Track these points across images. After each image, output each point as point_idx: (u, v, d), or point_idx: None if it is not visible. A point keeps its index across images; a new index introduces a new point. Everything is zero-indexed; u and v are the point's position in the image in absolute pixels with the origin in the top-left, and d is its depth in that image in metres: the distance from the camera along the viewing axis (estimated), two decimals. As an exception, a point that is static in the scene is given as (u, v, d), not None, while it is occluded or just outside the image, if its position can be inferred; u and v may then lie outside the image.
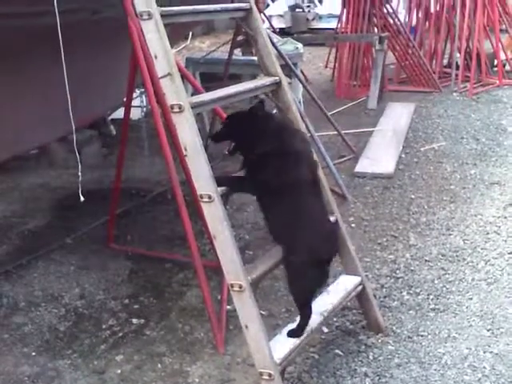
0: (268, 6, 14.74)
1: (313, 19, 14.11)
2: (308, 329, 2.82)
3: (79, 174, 3.37)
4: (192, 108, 2.66)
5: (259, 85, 3.14)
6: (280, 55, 5.61)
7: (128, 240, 4.43)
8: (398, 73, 9.77)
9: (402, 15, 10.53)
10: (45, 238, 4.50)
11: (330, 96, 8.85)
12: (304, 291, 2.82)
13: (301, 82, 6.09)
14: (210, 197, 2.62)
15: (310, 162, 2.92)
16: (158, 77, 2.71)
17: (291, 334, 2.81)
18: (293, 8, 14.33)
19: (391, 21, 9.46)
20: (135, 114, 6.38)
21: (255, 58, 3.46)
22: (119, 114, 6.92)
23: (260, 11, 9.51)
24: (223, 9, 3.09)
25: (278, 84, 3.19)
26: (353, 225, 4.55)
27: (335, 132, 6.27)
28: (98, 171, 5.82)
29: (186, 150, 2.66)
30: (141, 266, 4.06)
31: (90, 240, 4.45)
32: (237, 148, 2.92)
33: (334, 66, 9.89)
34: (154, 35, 2.64)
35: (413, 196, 5.08)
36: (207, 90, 6.19)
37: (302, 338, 2.79)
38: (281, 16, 13.85)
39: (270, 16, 12.45)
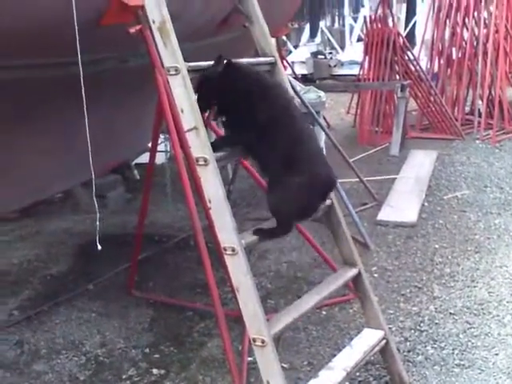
0: (290, 52, 14.98)
1: (335, 66, 14.27)
2: (331, 385, 2.78)
3: (97, 222, 3.38)
4: (217, 161, 2.69)
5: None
6: (303, 103, 5.67)
7: (150, 287, 4.43)
8: (420, 119, 9.79)
9: (424, 62, 10.60)
10: (67, 283, 4.52)
11: (352, 142, 8.89)
12: (288, 205, 2.75)
13: (323, 129, 6.13)
14: (233, 249, 2.63)
15: (286, 96, 2.94)
16: (184, 130, 2.75)
17: (258, 232, 2.80)
18: (315, 54, 14.52)
19: (413, 68, 9.54)
20: (159, 158, 6.45)
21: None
22: (143, 158, 7.03)
23: (282, 58, 9.67)
24: (249, 63, 3.14)
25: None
26: (375, 275, 4.51)
27: (357, 179, 6.28)
28: (121, 216, 5.87)
29: (210, 202, 2.68)
30: (162, 313, 4.05)
31: (111, 286, 4.46)
32: (220, 109, 2.88)
33: (356, 112, 9.95)
34: (180, 90, 2.69)
35: (436, 246, 5.04)
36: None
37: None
38: (303, 62, 14.03)
39: (293, 62, 12.63)
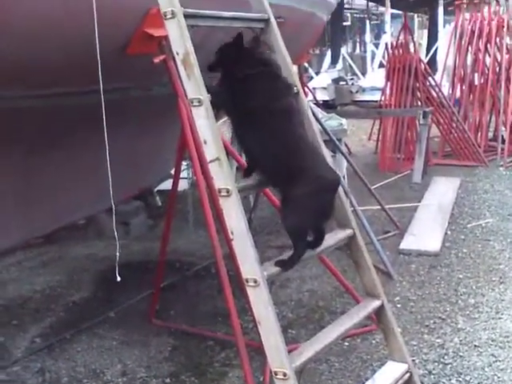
0: (312, 78, 15.04)
1: (356, 92, 14.30)
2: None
3: (117, 253, 3.40)
4: (239, 192, 2.70)
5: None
6: (324, 131, 5.67)
7: (171, 315, 4.42)
8: (443, 146, 9.74)
9: (446, 88, 10.58)
10: (89, 310, 4.53)
11: (374, 169, 8.86)
12: (301, 221, 2.71)
13: (345, 157, 6.12)
14: (255, 281, 2.61)
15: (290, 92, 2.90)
16: (206, 161, 2.76)
17: (280, 263, 2.75)
18: (336, 81, 14.58)
19: (434, 94, 9.52)
20: (181, 185, 6.48)
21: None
22: (165, 185, 7.07)
23: (304, 84, 9.71)
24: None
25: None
26: (398, 305, 4.46)
27: (379, 206, 6.25)
28: (144, 242, 5.89)
29: (232, 233, 2.68)
30: (183, 342, 4.04)
31: (133, 314, 4.46)
32: (226, 74, 2.85)
33: (378, 138, 9.94)
34: (204, 121, 2.70)
35: (460, 276, 4.97)
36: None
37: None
38: (324, 88, 14.08)
39: (314, 88, 12.70)
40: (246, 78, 2.78)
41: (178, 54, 2.72)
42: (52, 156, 4.40)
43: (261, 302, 2.62)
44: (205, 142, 2.72)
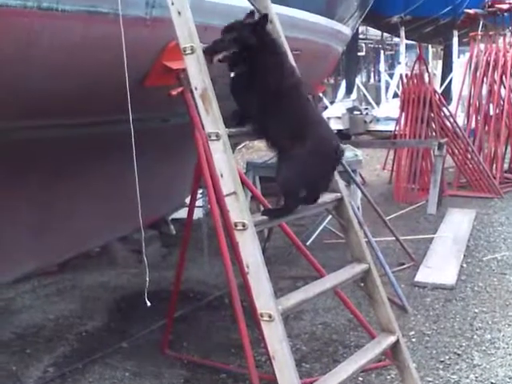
0: (326, 108, 15.11)
1: (370, 121, 14.35)
2: None
3: (147, 279, 3.42)
4: (255, 226, 2.70)
5: (321, 202, 3.17)
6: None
7: (183, 346, 4.40)
8: (458, 177, 9.71)
9: (461, 118, 10.60)
10: (101, 340, 4.52)
11: (388, 199, 8.84)
12: (295, 177, 2.81)
13: (359, 188, 6.11)
14: (270, 316, 2.61)
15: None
16: (223, 194, 2.77)
17: (267, 212, 2.92)
18: (351, 110, 14.64)
19: (449, 124, 9.53)
20: (196, 213, 6.49)
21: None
22: (179, 213, 7.08)
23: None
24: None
25: (340, 200, 3.22)
26: (413, 339, 4.40)
27: (394, 238, 6.22)
28: (157, 271, 5.85)
29: (247, 267, 2.68)
30: (195, 375, 4.00)
31: (145, 344, 4.44)
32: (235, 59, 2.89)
33: (392, 168, 9.93)
34: (221, 155, 2.73)
35: (476, 310, 4.91)
36: (264, 193, 6.32)
37: None
38: (339, 118, 14.14)
39: (329, 118, 12.75)
40: (265, 58, 2.86)
41: (196, 89, 2.76)
42: (67, 185, 4.44)
43: (275, 336, 2.61)
44: (221, 176, 2.74)
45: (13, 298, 5.32)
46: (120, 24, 3.11)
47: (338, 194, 3.22)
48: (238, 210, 2.68)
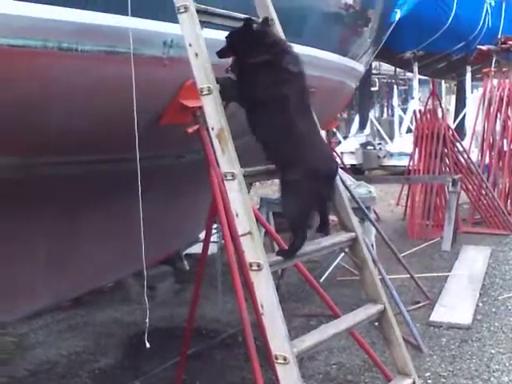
0: (340, 143, 15.16)
1: (384, 156, 14.36)
2: None
3: (147, 320, 3.39)
4: (270, 266, 2.69)
5: (336, 241, 3.16)
6: (353, 198, 5.67)
7: (196, 386, 4.36)
8: (472, 213, 9.65)
9: (475, 154, 10.59)
10: (115, 378, 4.48)
11: (402, 235, 8.79)
12: (299, 208, 2.80)
13: (374, 225, 6.09)
14: (285, 358, 2.58)
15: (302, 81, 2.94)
16: (238, 234, 2.77)
17: (281, 253, 2.87)
18: (364, 145, 14.67)
19: (463, 160, 9.51)
20: (210, 248, 6.48)
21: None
22: (193, 248, 7.09)
23: (332, 149, 9.78)
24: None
25: (355, 240, 3.21)
26: (429, 381, 4.33)
27: (408, 275, 6.17)
28: (170, 307, 5.87)
29: (262, 307, 2.66)
30: (208, 415, 3.96)
31: (159, 382, 4.40)
32: (237, 62, 2.92)
33: (406, 204, 9.90)
34: (236, 195, 2.73)
35: (493, 351, 4.83)
36: (278, 229, 6.31)
37: None
38: (352, 153, 14.18)
39: (342, 153, 12.78)
40: (255, 65, 2.86)
41: (213, 129, 2.78)
42: (82, 220, 4.46)
43: (290, 379, 2.59)
44: (237, 215, 2.75)
45: (26, 334, 5.31)
46: (133, 64, 3.15)
47: (353, 234, 3.22)
48: (253, 250, 2.68)
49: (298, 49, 4.36)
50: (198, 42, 2.77)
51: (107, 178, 4.26)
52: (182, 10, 2.78)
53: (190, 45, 2.78)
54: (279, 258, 2.85)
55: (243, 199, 2.72)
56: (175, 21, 2.97)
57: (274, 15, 3.40)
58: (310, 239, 2.98)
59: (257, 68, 2.86)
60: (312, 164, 2.80)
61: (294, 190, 2.78)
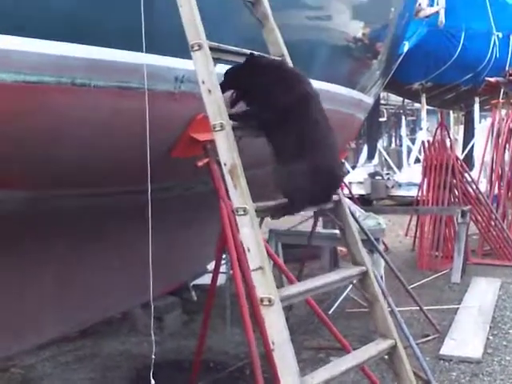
0: (348, 172, 15.17)
1: (392, 187, 14.36)
2: None
3: (153, 356, 3.38)
4: (281, 301, 2.69)
5: (346, 275, 3.16)
6: (362, 230, 5.67)
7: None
8: (482, 245, 9.60)
9: (483, 184, 10.57)
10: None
11: (411, 267, 8.75)
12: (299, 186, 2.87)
13: (383, 257, 6.07)
14: (296, 396, 2.56)
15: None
16: (249, 269, 2.77)
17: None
18: (372, 175, 14.68)
19: (471, 191, 9.49)
20: (218, 279, 6.46)
21: (336, 231, 3.53)
22: (201, 279, 7.07)
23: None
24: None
25: (365, 274, 3.20)
26: (440, 417, 4.28)
27: (417, 307, 6.12)
28: (178, 339, 5.84)
29: (273, 343, 2.65)
30: None
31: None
32: (239, 95, 3.05)
33: (415, 234, 9.87)
34: (248, 230, 2.74)
35: (504, 386, 4.78)
36: (286, 260, 6.29)
37: None
38: (360, 183, 14.18)
39: (350, 183, 12.77)
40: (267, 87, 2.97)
41: (225, 164, 2.80)
42: (91, 252, 4.47)
43: (300, 416, 2.56)
44: (248, 250, 2.74)
45: (33, 366, 5.28)
46: (146, 99, 3.20)
47: (363, 268, 3.21)
48: (265, 285, 2.67)
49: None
50: (211, 78, 2.81)
51: (116, 210, 4.29)
52: (196, 48, 2.81)
53: (203, 82, 2.82)
54: (290, 292, 2.84)
55: (255, 234, 2.72)
56: (186, 56, 3.01)
57: (285, 51, 3.44)
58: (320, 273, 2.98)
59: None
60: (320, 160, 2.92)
61: (300, 177, 2.88)
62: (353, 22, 5.77)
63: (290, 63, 3.43)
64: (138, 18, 3.00)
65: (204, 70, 2.82)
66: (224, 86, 2.98)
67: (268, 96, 2.97)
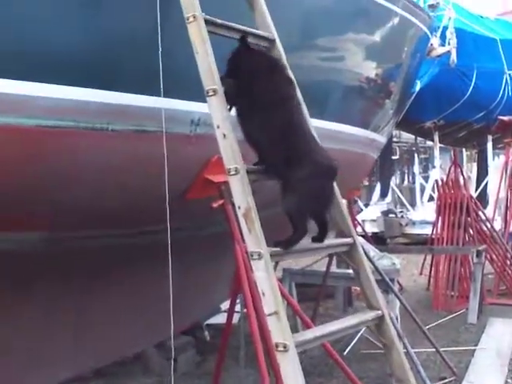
0: (361, 210, 15.14)
1: (406, 224, 14.28)
2: None
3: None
4: (297, 347, 2.67)
5: (362, 320, 3.13)
6: (377, 271, 5.64)
7: None
8: (498, 284, 9.48)
9: (498, 222, 10.50)
10: None
11: (427, 306, 8.64)
12: (300, 203, 2.89)
13: (398, 297, 6.01)
14: None
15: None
16: (264, 313, 2.76)
17: (279, 243, 2.91)
18: (386, 213, 14.62)
19: (486, 229, 9.42)
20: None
21: (350, 272, 3.53)
22: (214, 319, 7.02)
23: (353, 217, 9.77)
24: (328, 245, 3.20)
25: (381, 318, 3.18)
26: None
27: (434, 349, 6.04)
28: (191, 380, 5.77)
29: (289, 390, 2.63)
30: None
31: None
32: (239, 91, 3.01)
33: (430, 273, 9.76)
34: (263, 274, 2.74)
35: (523, 431, 4.67)
36: (300, 299, 6.23)
37: None
38: (374, 221, 14.13)
39: (363, 221, 12.74)
40: (253, 74, 3.00)
41: (239, 208, 2.81)
42: (106, 292, 4.48)
43: None
44: (263, 294, 2.74)
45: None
46: (164, 143, 3.24)
47: (379, 312, 3.19)
48: (280, 330, 2.66)
49: (320, 123, 4.47)
50: (225, 123, 2.85)
51: (131, 251, 4.30)
52: (211, 94, 2.86)
53: (218, 126, 2.85)
54: (305, 338, 2.83)
55: (269, 279, 2.72)
56: (202, 99, 3.05)
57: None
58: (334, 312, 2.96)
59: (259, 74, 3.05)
60: (313, 163, 2.95)
61: (297, 187, 2.90)
62: (366, 63, 5.84)
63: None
64: (155, 64, 3.06)
65: (219, 115, 2.86)
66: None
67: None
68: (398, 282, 8.86)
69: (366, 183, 18.50)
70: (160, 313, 3.97)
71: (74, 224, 3.49)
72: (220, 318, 6.91)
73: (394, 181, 18.35)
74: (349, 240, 3.26)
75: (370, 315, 3.16)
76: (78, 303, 4.36)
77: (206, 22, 2.94)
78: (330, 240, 3.30)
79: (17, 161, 2.91)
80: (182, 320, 5.74)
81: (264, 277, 2.73)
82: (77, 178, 3.15)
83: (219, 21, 3.07)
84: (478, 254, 8.09)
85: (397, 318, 6.22)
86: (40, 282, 3.82)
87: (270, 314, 2.69)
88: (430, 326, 7.27)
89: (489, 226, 9.52)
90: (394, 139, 18.40)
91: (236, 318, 6.42)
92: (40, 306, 3.97)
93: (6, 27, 2.81)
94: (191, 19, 2.89)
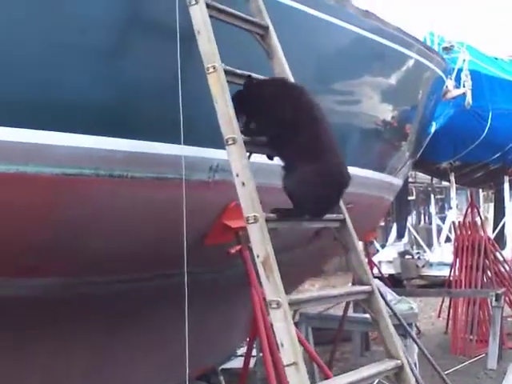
0: (378, 251, 15.01)
1: (423, 266, 14.11)
2: None
3: None
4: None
5: (381, 370, 3.08)
6: (394, 315, 5.58)
7: None
8: (518, 328, 9.33)
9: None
10: None
11: (445, 351, 8.49)
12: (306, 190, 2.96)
13: (416, 342, 5.93)
14: None
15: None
16: (282, 364, 2.73)
17: (276, 210, 3.00)
18: (402, 254, 14.46)
19: (504, 271, 9.31)
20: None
21: (367, 316, 3.48)
22: (230, 363, 6.93)
23: (370, 259, 9.68)
24: (346, 293, 3.17)
25: (401, 368, 3.13)
26: None
27: (454, 397, 5.93)
28: (206, 427, 5.69)
29: None
30: None
31: None
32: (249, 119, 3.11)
33: (448, 316, 9.61)
34: (281, 324, 2.71)
35: None
36: (317, 342, 6.14)
37: None
38: (390, 262, 13.98)
39: (380, 262, 12.62)
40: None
41: (258, 256, 2.80)
42: (121, 335, 4.46)
43: None
44: (282, 345, 2.71)
45: None
46: (184, 191, 3.25)
47: (399, 362, 3.13)
48: (299, 381, 2.62)
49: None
50: (244, 172, 2.86)
51: (148, 294, 4.30)
52: (231, 142, 2.88)
53: (237, 175, 2.86)
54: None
55: (288, 329, 2.69)
56: (220, 146, 3.08)
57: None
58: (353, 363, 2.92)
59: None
60: (327, 162, 3.06)
61: (305, 173, 2.98)
62: (382, 106, 5.87)
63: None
64: (175, 112, 3.09)
65: (238, 164, 2.87)
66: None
67: (273, 111, 3.09)
68: (416, 326, 8.72)
69: (382, 223, 18.37)
70: (173, 357, 3.94)
71: (93, 269, 3.49)
72: (235, 363, 6.83)
73: (411, 221, 18.21)
74: (367, 288, 3.22)
75: (390, 364, 3.10)
76: (94, 344, 4.34)
77: (226, 72, 2.98)
78: (349, 287, 3.28)
79: (38, 209, 2.93)
80: (197, 365, 5.69)
81: (283, 327, 2.70)
82: (95, 224, 3.17)
83: (238, 71, 3.12)
84: (497, 297, 7.97)
85: (415, 364, 6.13)
86: (55, 326, 3.81)
87: (288, 365, 2.66)
88: (449, 371, 7.12)
89: (507, 268, 9.40)
90: (410, 179, 18.35)
91: (252, 362, 6.38)
92: (54, 350, 3.96)
93: (31, 76, 2.87)
94: (211, 70, 2.93)
